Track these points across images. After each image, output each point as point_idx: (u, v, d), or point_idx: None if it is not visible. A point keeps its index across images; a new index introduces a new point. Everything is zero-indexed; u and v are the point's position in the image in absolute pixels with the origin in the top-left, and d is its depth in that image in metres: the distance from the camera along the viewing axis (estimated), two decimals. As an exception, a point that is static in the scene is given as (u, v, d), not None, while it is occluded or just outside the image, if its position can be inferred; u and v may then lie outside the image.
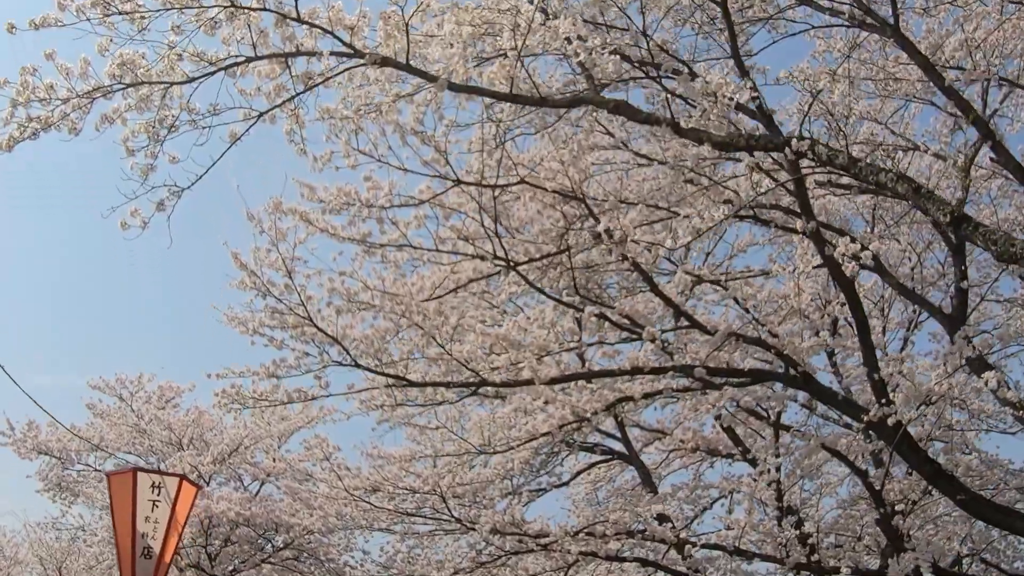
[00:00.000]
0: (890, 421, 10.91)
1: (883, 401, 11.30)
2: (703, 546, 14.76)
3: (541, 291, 11.73)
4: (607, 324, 11.54)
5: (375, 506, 16.61)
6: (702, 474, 20.38)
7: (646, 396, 13.56)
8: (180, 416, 20.09)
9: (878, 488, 11.73)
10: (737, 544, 14.42)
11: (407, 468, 15.32)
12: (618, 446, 19.98)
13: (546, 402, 14.54)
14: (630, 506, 15.59)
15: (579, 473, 19.92)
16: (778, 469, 15.98)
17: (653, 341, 11.16)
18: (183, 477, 9.08)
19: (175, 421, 19.84)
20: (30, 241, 58.54)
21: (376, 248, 11.80)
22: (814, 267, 11.89)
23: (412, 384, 12.75)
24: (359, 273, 12.18)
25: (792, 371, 11.83)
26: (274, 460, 20.34)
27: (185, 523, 9.21)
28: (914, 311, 16.37)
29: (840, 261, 11.58)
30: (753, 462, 18.34)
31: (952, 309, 13.94)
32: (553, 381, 12.46)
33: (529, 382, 12.46)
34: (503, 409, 15.03)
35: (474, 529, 15.56)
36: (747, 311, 13.44)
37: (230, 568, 18.74)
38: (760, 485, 14.65)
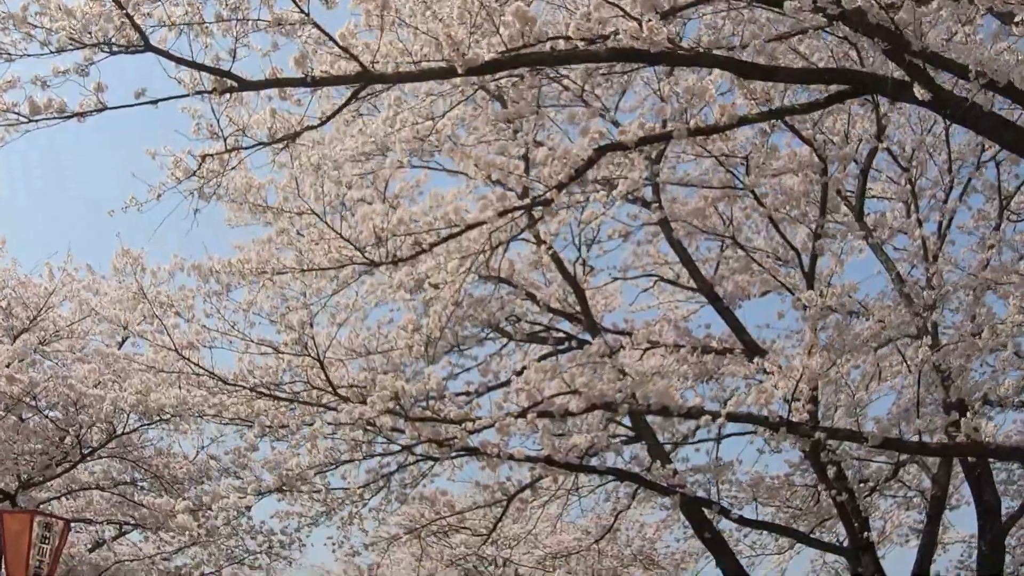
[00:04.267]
0: None
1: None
2: (731, 417, 9.34)
3: None
4: None
5: (219, 379, 11.01)
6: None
7: (643, 142, 8.15)
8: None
9: None
10: (788, 412, 8.94)
11: (259, 294, 9.73)
12: (582, 334, 14.57)
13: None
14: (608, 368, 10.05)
15: (525, 369, 14.35)
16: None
17: None
18: None
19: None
20: None
21: None
22: None
23: (245, 85, 7.26)
24: None
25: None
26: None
27: None
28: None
29: None
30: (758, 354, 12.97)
31: None
32: (488, 68, 6.99)
33: (447, 72, 6.99)
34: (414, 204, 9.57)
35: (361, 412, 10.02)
36: None
37: (16, 480, 12.91)
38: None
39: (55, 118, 7.51)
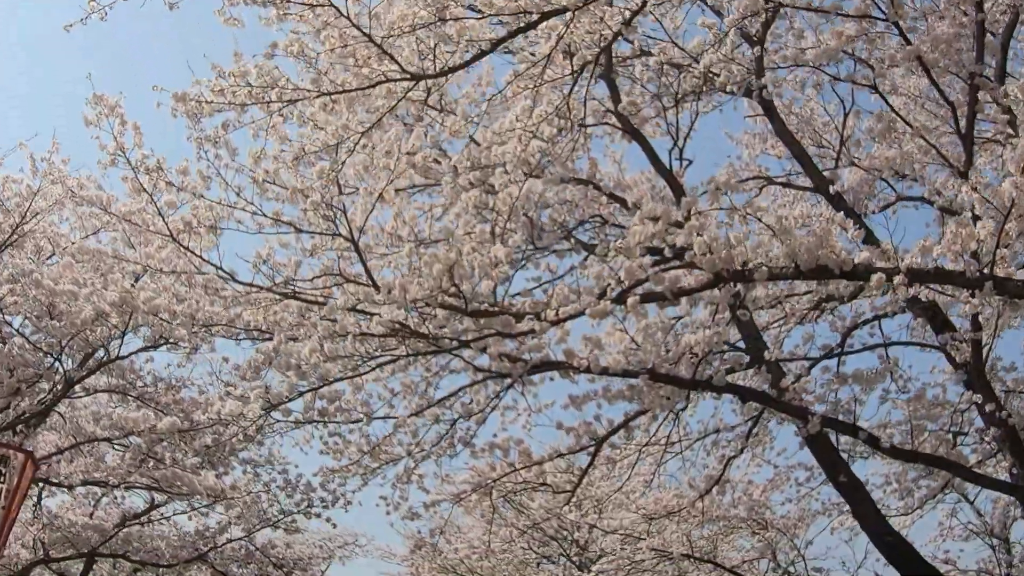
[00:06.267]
0: None
1: None
2: (913, 275, 6.74)
3: None
4: None
5: (228, 276, 8.59)
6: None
7: None
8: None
9: None
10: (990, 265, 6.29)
11: (267, 136, 7.30)
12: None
13: None
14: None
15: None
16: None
17: None
18: None
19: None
20: None
21: None
22: None
23: None
24: None
25: None
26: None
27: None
28: None
29: None
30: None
31: None
32: None
33: None
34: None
35: (403, 286, 7.54)
36: None
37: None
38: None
39: None
